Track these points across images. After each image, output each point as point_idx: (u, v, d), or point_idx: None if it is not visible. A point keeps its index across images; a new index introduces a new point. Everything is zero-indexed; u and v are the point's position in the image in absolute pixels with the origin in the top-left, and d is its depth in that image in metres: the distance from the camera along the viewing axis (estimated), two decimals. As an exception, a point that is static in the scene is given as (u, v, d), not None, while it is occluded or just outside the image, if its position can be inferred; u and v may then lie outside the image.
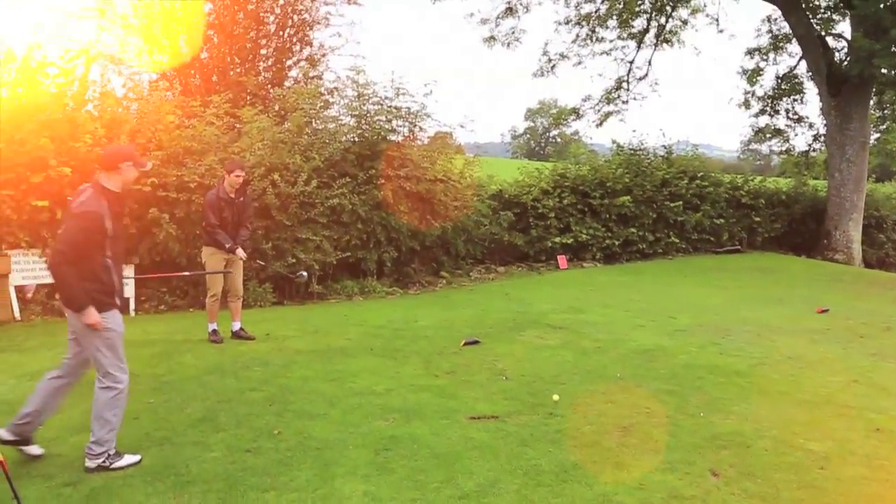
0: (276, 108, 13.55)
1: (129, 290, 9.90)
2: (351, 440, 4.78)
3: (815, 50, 18.11)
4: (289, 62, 17.36)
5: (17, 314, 9.13)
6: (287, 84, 16.17)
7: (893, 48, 15.39)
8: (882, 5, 15.48)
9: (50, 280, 9.43)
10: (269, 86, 16.30)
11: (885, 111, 21.37)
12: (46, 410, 4.48)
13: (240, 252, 7.61)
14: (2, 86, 9.37)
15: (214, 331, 7.78)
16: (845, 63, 17.58)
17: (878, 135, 23.02)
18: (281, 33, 17.22)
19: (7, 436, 4.35)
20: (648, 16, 21.07)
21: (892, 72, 16.23)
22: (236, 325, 7.91)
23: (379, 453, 4.55)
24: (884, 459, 4.55)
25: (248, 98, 15.14)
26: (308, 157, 10.98)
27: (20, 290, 9.32)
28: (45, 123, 9.25)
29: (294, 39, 17.36)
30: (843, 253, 17.52)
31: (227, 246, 7.49)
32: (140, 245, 9.91)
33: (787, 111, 22.32)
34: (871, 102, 18.87)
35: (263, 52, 17.12)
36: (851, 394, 5.96)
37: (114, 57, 15.23)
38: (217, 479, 4.17)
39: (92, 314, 4.17)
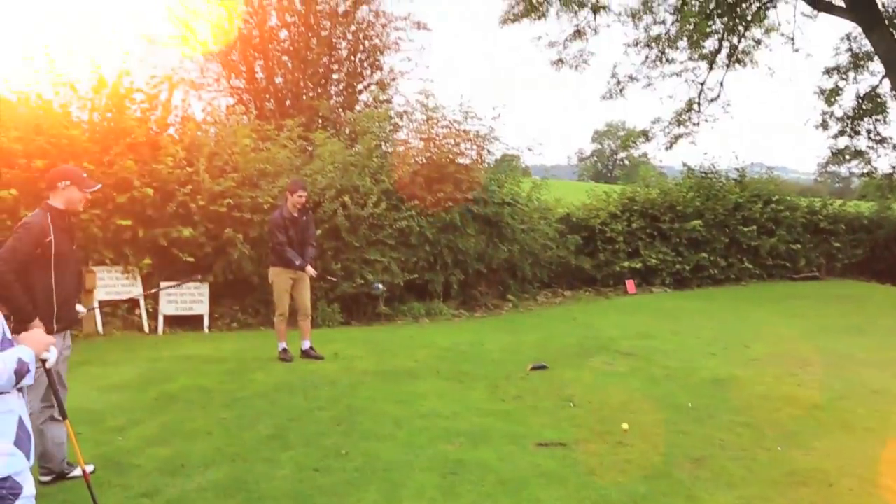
0: (347, 131, 13.87)
1: (203, 308, 10.24)
2: (417, 463, 4.79)
3: (901, 68, 17.35)
4: (359, 86, 17.78)
5: (100, 328, 9.55)
6: (358, 108, 16.56)
7: None
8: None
9: (131, 295, 9.89)
10: (341, 109, 16.72)
11: (976, 131, 20.29)
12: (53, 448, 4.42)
13: (309, 269, 7.77)
14: (94, 111, 9.91)
15: (284, 349, 7.94)
16: (933, 82, 16.80)
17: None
18: (352, 58, 17.67)
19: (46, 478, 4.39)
20: (720, 36, 20.62)
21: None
22: (306, 345, 8.06)
23: (445, 477, 4.54)
24: (981, 504, 4.26)
25: (320, 121, 15.56)
26: (377, 180, 11.16)
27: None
28: (130, 146, 9.73)
29: (365, 64, 17.78)
30: (932, 281, 16.61)
31: (297, 263, 7.64)
32: (215, 264, 10.24)
33: (868, 132, 21.40)
34: (962, 123, 17.94)
35: (335, 76, 17.59)
36: (943, 432, 5.62)
37: (194, 82, 15.97)
38: (286, 498, 4.24)
39: (38, 328, 3.96)
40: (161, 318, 9.97)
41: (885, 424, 5.76)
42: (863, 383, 7.09)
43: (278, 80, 17.05)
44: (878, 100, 20.84)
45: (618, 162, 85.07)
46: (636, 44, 20.89)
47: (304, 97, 16.72)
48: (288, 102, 16.73)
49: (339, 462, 4.81)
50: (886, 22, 17.98)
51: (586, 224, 14.71)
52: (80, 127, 9.66)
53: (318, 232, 10.26)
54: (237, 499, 4.22)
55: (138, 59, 11.00)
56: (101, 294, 9.65)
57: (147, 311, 10.00)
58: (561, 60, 20.93)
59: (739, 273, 15.74)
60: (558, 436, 5.38)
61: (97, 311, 9.50)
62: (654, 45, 20.72)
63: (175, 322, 10.18)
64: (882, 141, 21.31)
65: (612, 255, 14.58)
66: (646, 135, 22.31)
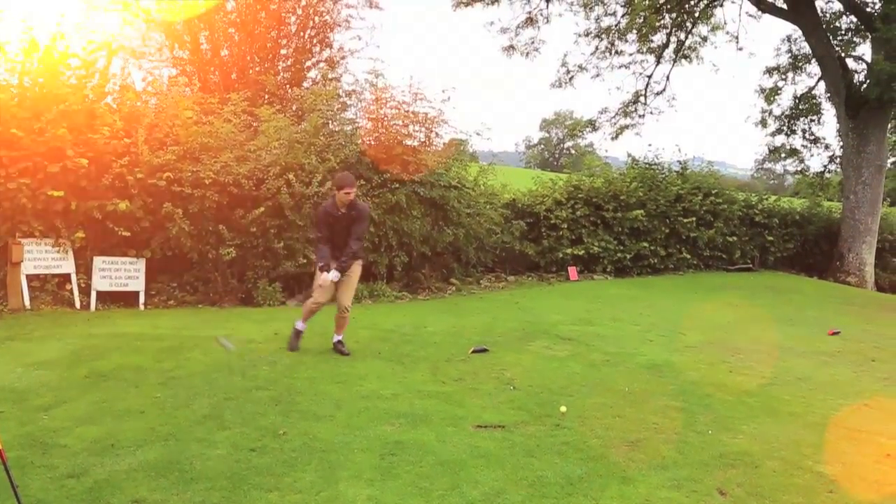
0: (294, 108, 13.58)
1: (139, 284, 9.94)
2: (356, 443, 4.76)
3: (835, 71, 18.03)
4: (308, 63, 17.39)
5: (27, 303, 9.17)
6: (305, 85, 16.21)
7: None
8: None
9: (61, 270, 9.52)
10: (288, 86, 16.33)
11: (904, 135, 21.27)
12: None
13: (332, 275, 7.05)
14: (24, 75, 9.44)
15: (298, 332, 7.40)
16: (865, 85, 17.48)
17: (894, 159, 22.87)
18: (301, 34, 17.26)
19: None
20: (668, 31, 21.04)
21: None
22: (336, 338, 7.48)
23: (384, 458, 4.53)
24: (894, 486, 4.48)
25: (267, 97, 15.18)
26: (323, 159, 10.99)
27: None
28: (64, 114, 9.31)
29: (314, 41, 17.39)
30: (856, 275, 17.40)
31: (320, 265, 7.09)
32: (152, 239, 9.94)
33: (803, 131, 22.23)
34: (889, 126, 18.75)
35: (283, 51, 17.16)
36: (862, 418, 5.89)
37: (135, 51, 15.39)
38: (221, 477, 4.15)
39: None
40: (94, 294, 9.64)
41: (808, 410, 6.01)
42: (789, 371, 7.38)
43: (224, 52, 16.54)
44: (814, 101, 21.65)
45: (564, 151, 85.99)
46: (587, 34, 21.16)
47: (251, 71, 16.26)
48: (233, 76, 16.26)
49: (277, 442, 4.74)
50: (824, 27, 18.63)
51: (531, 210, 14.83)
52: (8, 91, 9.20)
53: (261, 210, 10.06)
54: (169, 479, 4.11)
55: (74, 24, 10.46)
56: (28, 268, 9.27)
57: (79, 286, 9.65)
58: (512, 47, 21.06)
59: (678, 263, 16.15)
60: (497, 418, 5.43)
61: (24, 285, 9.14)
62: (604, 36, 21.02)
63: (109, 298, 9.85)
64: (815, 141, 22.17)
65: (556, 241, 14.74)
66: (592, 125, 22.68)
